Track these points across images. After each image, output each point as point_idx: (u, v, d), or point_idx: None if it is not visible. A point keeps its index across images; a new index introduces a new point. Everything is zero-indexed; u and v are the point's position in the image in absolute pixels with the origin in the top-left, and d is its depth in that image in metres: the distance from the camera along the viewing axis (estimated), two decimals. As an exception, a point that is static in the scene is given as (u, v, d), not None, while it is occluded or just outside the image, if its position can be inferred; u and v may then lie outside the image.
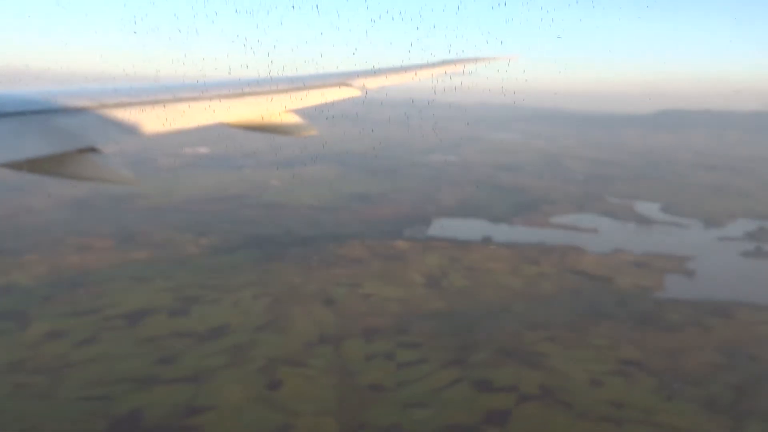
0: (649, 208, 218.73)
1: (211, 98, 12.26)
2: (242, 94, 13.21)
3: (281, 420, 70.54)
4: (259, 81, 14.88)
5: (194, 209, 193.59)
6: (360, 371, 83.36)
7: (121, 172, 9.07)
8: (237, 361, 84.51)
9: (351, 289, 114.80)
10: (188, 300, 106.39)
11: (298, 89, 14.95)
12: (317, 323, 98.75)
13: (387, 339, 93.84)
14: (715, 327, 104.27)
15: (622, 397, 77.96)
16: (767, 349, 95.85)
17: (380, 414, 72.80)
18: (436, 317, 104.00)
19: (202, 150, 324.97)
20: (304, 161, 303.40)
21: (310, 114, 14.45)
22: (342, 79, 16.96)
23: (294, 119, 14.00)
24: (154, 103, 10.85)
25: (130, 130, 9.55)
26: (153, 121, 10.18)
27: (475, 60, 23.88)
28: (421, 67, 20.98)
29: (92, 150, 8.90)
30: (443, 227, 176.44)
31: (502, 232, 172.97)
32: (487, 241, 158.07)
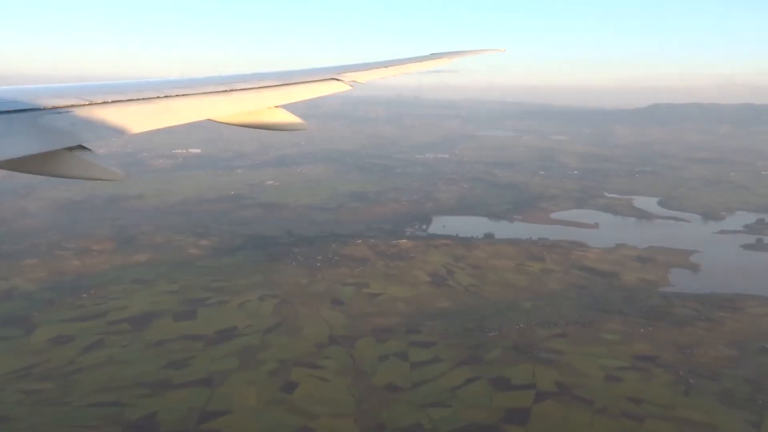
0: (647, 203, 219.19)
1: (199, 95, 12.16)
2: (231, 90, 13.04)
3: (299, 423, 69.44)
4: (248, 77, 14.71)
5: (191, 210, 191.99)
6: (374, 372, 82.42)
7: (109, 168, 8.87)
8: (248, 363, 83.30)
9: (358, 289, 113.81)
10: (193, 302, 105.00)
11: (286, 84, 14.78)
12: (327, 324, 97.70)
13: (398, 338, 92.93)
14: (724, 320, 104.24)
15: (640, 392, 77.41)
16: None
17: (399, 414, 71.87)
18: (446, 316, 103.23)
19: (194, 151, 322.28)
20: (297, 161, 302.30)
21: (300, 113, 14.12)
22: (331, 73, 16.76)
23: (284, 114, 13.74)
24: (143, 100, 10.78)
25: (118, 127, 9.45)
26: (141, 118, 10.12)
27: (464, 53, 23.66)
28: (410, 60, 20.79)
29: (81, 148, 8.71)
30: (444, 225, 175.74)
31: (503, 229, 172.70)
32: (489, 238, 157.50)
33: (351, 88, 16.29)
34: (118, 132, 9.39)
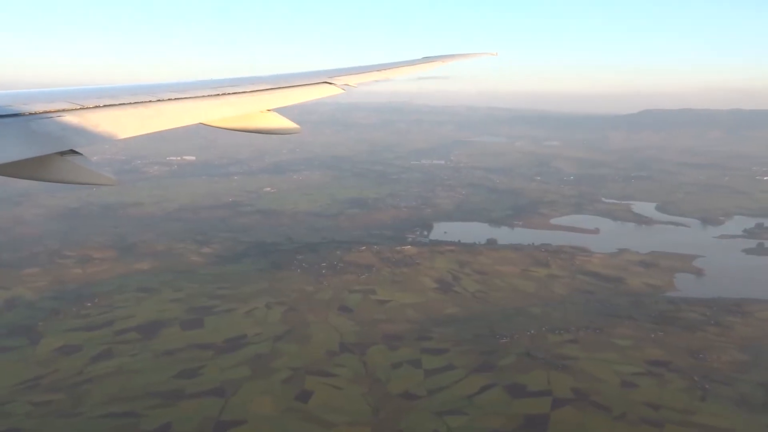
0: (645, 208, 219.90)
1: (191, 99, 12.11)
2: (223, 94, 13.00)
3: (317, 432, 68.47)
4: (240, 80, 14.68)
5: (189, 217, 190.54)
6: (388, 379, 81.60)
7: (101, 173, 8.83)
8: (261, 372, 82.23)
9: (365, 296, 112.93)
10: (200, 311, 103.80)
11: (279, 88, 14.74)
12: (336, 331, 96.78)
13: (410, 345, 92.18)
14: (733, 325, 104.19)
15: (657, 398, 77.00)
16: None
17: (417, 422, 71.05)
18: (455, 322, 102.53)
19: (188, 158, 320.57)
20: (293, 167, 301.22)
21: (292, 119, 14.01)
22: (323, 77, 16.72)
23: (277, 118, 13.70)
24: (135, 104, 10.69)
25: (110, 131, 9.37)
26: (134, 122, 10.07)
27: (456, 56, 23.56)
28: (402, 64, 20.84)
29: (72, 152, 8.65)
30: (445, 231, 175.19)
31: (505, 235, 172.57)
32: (492, 244, 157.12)
33: (343, 91, 16.22)
34: (111, 136, 9.31)
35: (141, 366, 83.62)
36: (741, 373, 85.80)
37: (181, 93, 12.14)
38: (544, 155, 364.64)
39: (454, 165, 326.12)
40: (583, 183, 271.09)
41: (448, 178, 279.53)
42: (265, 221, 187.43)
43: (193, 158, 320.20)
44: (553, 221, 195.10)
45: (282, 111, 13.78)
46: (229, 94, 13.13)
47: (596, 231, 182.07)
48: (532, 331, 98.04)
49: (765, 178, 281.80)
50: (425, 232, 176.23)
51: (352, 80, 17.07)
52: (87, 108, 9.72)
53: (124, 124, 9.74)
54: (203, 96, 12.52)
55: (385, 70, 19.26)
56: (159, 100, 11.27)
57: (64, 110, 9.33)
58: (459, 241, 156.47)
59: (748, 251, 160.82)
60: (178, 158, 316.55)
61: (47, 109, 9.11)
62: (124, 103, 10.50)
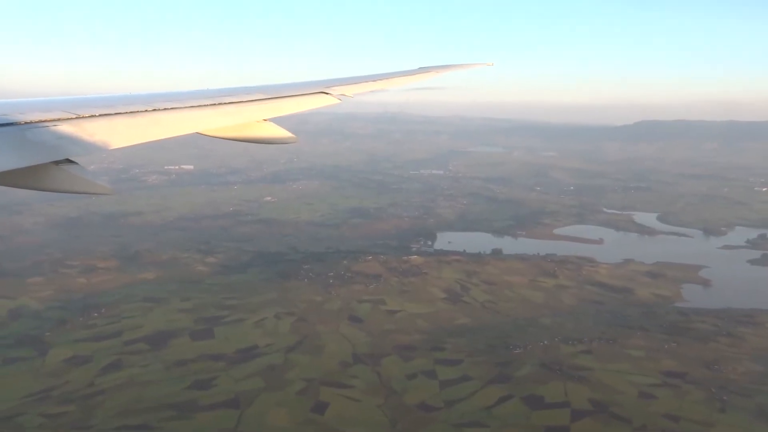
0: (646, 218, 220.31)
1: (187, 108, 12.13)
2: (219, 104, 13.02)
3: (337, 445, 67.41)
4: (236, 90, 14.74)
5: (191, 226, 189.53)
6: (404, 390, 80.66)
7: (97, 182, 8.84)
8: (275, 383, 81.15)
9: (374, 306, 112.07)
10: (209, 321, 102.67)
11: (275, 98, 14.77)
12: (348, 342, 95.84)
13: (424, 356, 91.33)
14: (745, 336, 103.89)
15: (676, 410, 76.43)
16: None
17: (436, 435, 70.10)
18: (467, 333, 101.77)
19: (186, 167, 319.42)
20: (292, 177, 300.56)
21: (289, 129, 14.01)
22: (319, 87, 16.74)
23: (272, 128, 13.69)
24: (131, 113, 10.71)
25: (106, 140, 9.34)
26: (130, 131, 10.08)
27: (452, 67, 23.55)
28: (398, 74, 20.86)
29: (68, 161, 8.63)
30: (449, 241, 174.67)
31: (509, 245, 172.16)
32: (497, 254, 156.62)
33: (339, 101, 16.18)
34: (107, 145, 9.29)
35: (152, 377, 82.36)
36: (758, 385, 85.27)
37: (178, 102, 12.15)
38: (541, 165, 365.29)
39: (453, 175, 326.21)
40: (583, 193, 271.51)
41: (448, 187, 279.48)
42: (268, 230, 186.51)
43: (191, 167, 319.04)
44: (556, 231, 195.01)
45: (278, 121, 13.83)
46: (225, 103, 13.14)
47: (600, 241, 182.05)
48: (546, 342, 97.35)
49: (763, 189, 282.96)
50: (429, 242, 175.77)
51: (349, 90, 17.10)
52: (83, 117, 9.69)
53: (120, 133, 9.75)
54: (200, 105, 12.52)
55: (381, 80, 19.31)
56: (155, 110, 11.28)
57: (59, 119, 9.32)
58: (464, 250, 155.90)
59: (753, 262, 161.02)
60: (176, 167, 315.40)
61: (43, 119, 9.09)
62: (120, 113, 10.50)
